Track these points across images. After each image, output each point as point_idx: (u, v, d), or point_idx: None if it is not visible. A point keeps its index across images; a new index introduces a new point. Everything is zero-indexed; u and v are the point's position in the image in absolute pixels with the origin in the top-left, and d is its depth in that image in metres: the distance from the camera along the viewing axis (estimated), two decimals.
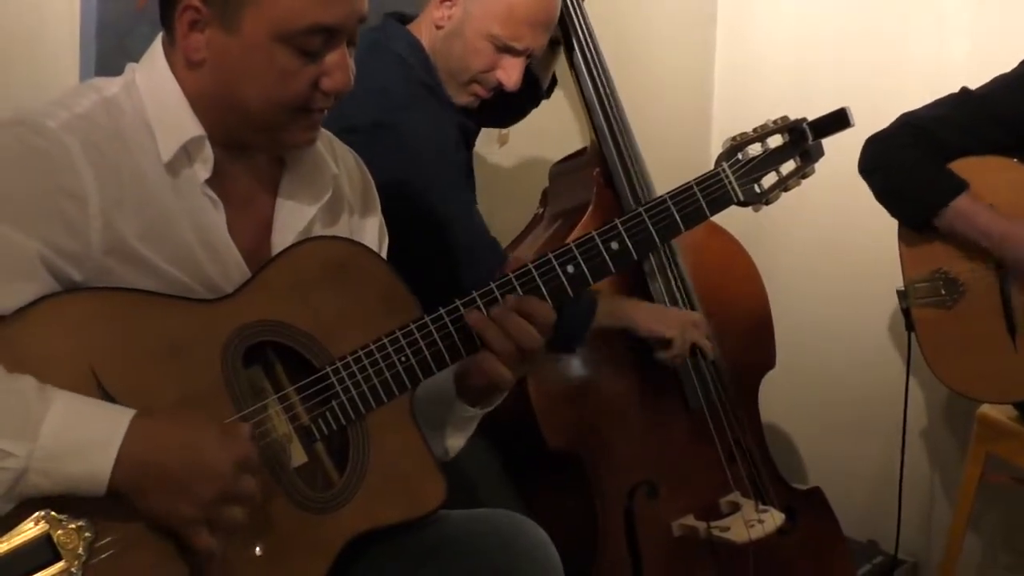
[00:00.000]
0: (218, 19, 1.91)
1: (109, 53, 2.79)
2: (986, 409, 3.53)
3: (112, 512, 1.78)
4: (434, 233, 2.74)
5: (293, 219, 2.11)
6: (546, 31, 2.90)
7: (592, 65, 3.13)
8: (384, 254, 2.26)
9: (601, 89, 3.13)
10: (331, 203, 2.17)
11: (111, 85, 1.99)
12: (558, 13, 2.94)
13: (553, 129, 3.67)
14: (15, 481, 1.71)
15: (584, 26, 3.13)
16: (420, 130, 2.78)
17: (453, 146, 2.90)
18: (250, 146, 2.05)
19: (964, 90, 3.33)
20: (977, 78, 3.34)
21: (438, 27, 2.90)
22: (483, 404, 2.20)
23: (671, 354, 3.01)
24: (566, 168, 3.34)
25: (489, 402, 2.21)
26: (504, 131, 3.43)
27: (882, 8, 4.07)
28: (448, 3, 2.88)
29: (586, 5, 3.16)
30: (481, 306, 2.06)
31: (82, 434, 1.74)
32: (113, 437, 1.74)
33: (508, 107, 3.12)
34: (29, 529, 1.74)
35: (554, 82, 3.29)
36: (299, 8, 1.89)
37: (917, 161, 3.27)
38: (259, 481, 1.86)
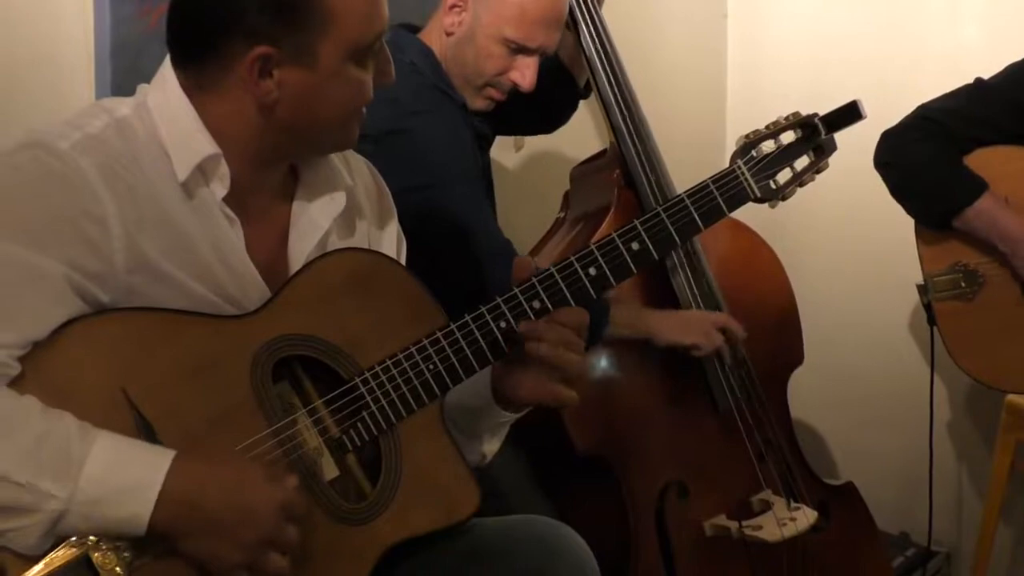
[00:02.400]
0: (291, 58, 1.92)
1: (124, 73, 2.79)
2: (1014, 398, 3.52)
3: None
4: (450, 237, 2.74)
5: (308, 230, 2.11)
6: (558, 28, 2.89)
7: (609, 66, 3.12)
8: (403, 262, 2.27)
9: (618, 89, 3.12)
10: (346, 213, 2.17)
11: (121, 106, 1.98)
12: (567, 9, 2.93)
13: (571, 133, 3.67)
14: (55, 522, 1.72)
15: (600, 27, 3.12)
16: (433, 134, 2.79)
17: (469, 149, 2.90)
18: (288, 158, 2.07)
19: (978, 80, 3.32)
20: (992, 68, 3.33)
21: (448, 34, 2.90)
22: (518, 408, 2.20)
23: (701, 355, 3.02)
24: (587, 171, 3.34)
25: (526, 407, 2.21)
26: (519, 136, 3.44)
27: (893, 3, 4.06)
28: (457, 9, 2.88)
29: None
30: (506, 311, 2.06)
31: (123, 477, 1.74)
32: (154, 480, 1.75)
33: (548, 111, 3.13)
34: (67, 552, 1.75)
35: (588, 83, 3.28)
36: (364, 23, 1.94)
37: (933, 158, 3.25)
38: (305, 510, 1.88)
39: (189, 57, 1.97)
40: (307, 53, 1.91)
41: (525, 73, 2.88)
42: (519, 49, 2.85)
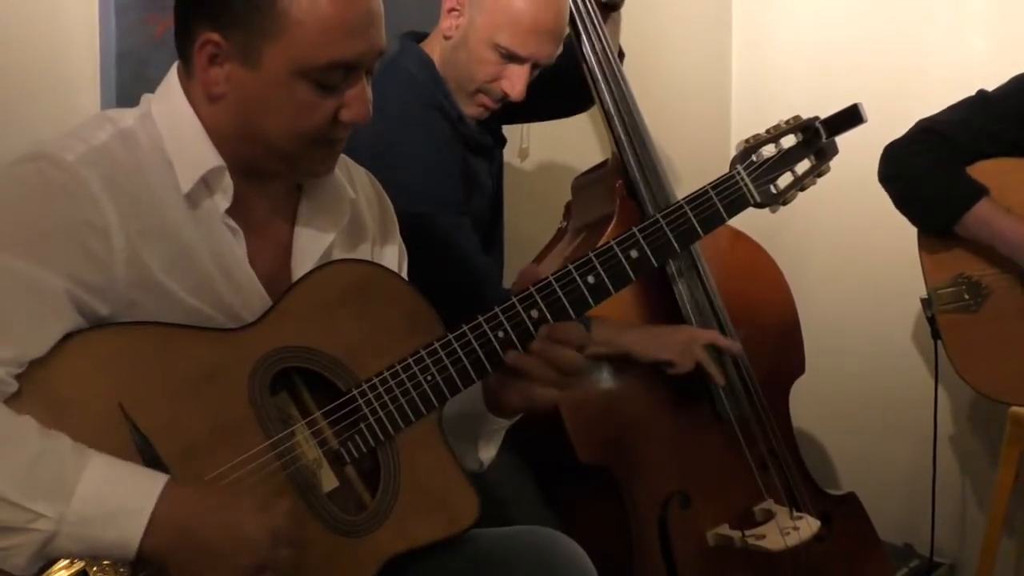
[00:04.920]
0: (238, 54, 1.92)
1: (129, 82, 2.80)
2: (1018, 410, 3.49)
3: None
4: (428, 256, 2.67)
5: (312, 245, 2.12)
6: (551, 40, 2.87)
7: (610, 76, 3.11)
8: (404, 274, 2.27)
9: (620, 100, 3.11)
10: (350, 227, 2.18)
11: (126, 116, 1.99)
12: (565, 22, 2.91)
13: (574, 142, 3.67)
14: (45, 543, 1.71)
15: (601, 37, 3.11)
16: (412, 152, 2.78)
17: (453, 166, 2.88)
18: (269, 175, 2.05)
19: (981, 92, 3.32)
20: (997, 79, 3.33)
21: (446, 37, 2.90)
22: (511, 415, 2.20)
23: (673, 372, 2.99)
24: (588, 180, 3.33)
25: (518, 413, 2.20)
26: (525, 145, 3.43)
27: (899, 10, 4.07)
28: (455, 13, 2.88)
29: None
30: (503, 321, 2.05)
31: (114, 500, 1.74)
32: (145, 504, 1.74)
33: (579, 92, 3.14)
34: (66, 567, 1.75)
35: None
36: (319, 44, 1.90)
37: (935, 166, 3.25)
38: (299, 537, 1.88)
39: (177, 37, 2.00)
40: (252, 53, 1.91)
41: (515, 83, 2.86)
42: (510, 56, 2.83)
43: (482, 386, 2.14)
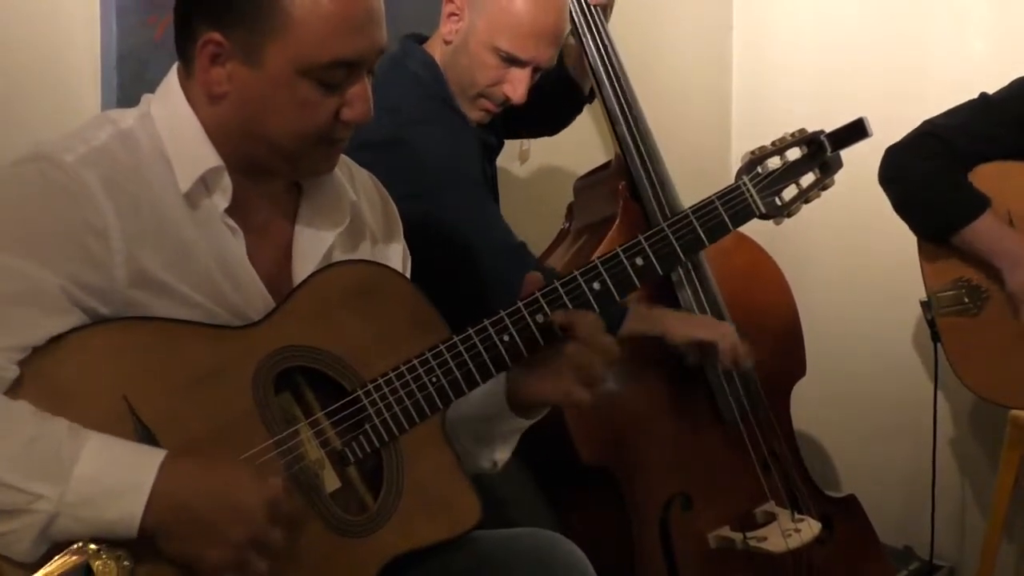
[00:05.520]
0: (240, 53, 1.93)
1: (130, 83, 2.81)
2: (1019, 413, 3.50)
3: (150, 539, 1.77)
4: (454, 244, 2.73)
5: (312, 246, 2.11)
6: (551, 44, 2.87)
7: (614, 77, 3.11)
8: (408, 276, 2.27)
9: (623, 101, 3.11)
10: (350, 229, 2.18)
11: (126, 117, 2.00)
12: (565, 26, 2.92)
13: (576, 144, 3.67)
14: (46, 525, 1.71)
15: (605, 39, 3.12)
16: (432, 143, 2.79)
17: (471, 157, 2.89)
18: (270, 173, 2.05)
19: (983, 96, 3.32)
20: (998, 82, 3.33)
21: (447, 42, 2.90)
22: (533, 415, 2.20)
23: (722, 353, 2.99)
24: (591, 182, 3.33)
25: (539, 413, 2.21)
26: (525, 147, 3.43)
27: (900, 13, 4.07)
28: (455, 17, 2.88)
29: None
30: (509, 325, 2.05)
31: (114, 478, 1.74)
32: (144, 480, 1.74)
33: (553, 117, 3.11)
34: (67, 560, 1.73)
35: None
36: (322, 42, 1.91)
37: (936, 174, 3.25)
38: (294, 511, 1.87)
39: (177, 37, 2.00)
40: (254, 52, 1.92)
41: (516, 86, 2.86)
42: (511, 60, 2.84)
43: (505, 385, 2.14)
